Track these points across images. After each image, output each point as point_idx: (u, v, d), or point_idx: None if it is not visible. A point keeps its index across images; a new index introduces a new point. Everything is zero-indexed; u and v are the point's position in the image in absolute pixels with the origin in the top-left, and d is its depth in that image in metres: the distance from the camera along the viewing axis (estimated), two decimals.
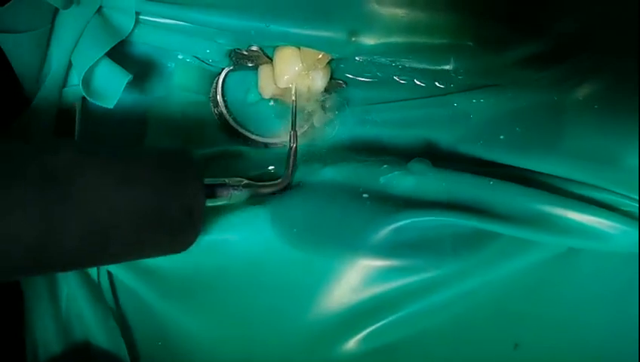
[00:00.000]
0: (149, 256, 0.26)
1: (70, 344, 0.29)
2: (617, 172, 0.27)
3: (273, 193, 0.30)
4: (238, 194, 0.28)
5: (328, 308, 0.29)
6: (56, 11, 0.29)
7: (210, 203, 0.27)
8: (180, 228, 0.25)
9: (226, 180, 0.28)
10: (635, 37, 0.28)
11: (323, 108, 0.34)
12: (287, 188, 0.31)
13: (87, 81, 0.29)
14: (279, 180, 0.31)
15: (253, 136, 0.34)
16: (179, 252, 0.26)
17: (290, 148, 0.31)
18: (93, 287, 0.30)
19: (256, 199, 0.30)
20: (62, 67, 0.30)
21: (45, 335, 0.29)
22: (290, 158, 0.31)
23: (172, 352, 0.30)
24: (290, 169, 0.31)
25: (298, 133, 0.32)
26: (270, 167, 0.33)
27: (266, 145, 0.34)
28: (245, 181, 0.29)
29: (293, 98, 0.33)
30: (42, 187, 0.20)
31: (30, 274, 0.23)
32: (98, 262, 0.24)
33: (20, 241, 0.19)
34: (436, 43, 0.32)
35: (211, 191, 0.27)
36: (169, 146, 0.27)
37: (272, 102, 0.35)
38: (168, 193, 0.24)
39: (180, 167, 0.25)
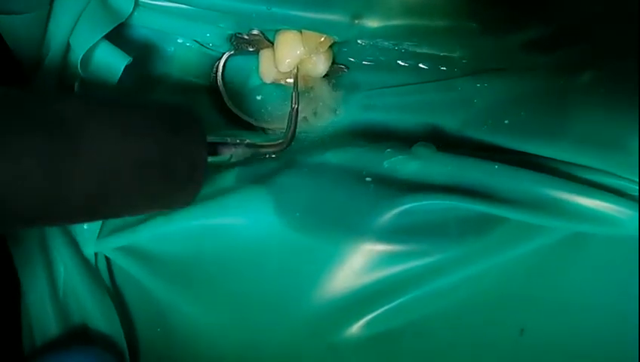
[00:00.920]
0: (151, 209, 0.26)
1: (67, 327, 0.29)
2: (625, 156, 0.27)
3: (274, 153, 0.31)
4: (240, 153, 0.29)
5: (331, 292, 0.28)
6: None
7: (212, 159, 0.27)
8: (182, 181, 0.25)
9: (228, 139, 0.28)
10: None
11: (325, 92, 0.34)
12: (287, 146, 0.31)
13: (85, 63, 0.29)
14: (280, 140, 0.31)
15: (254, 121, 0.34)
16: (180, 206, 0.27)
17: (292, 108, 0.31)
18: (91, 272, 0.29)
19: (258, 183, 0.29)
20: (60, 49, 0.29)
21: (42, 317, 0.29)
22: (292, 119, 0.31)
23: (172, 338, 0.30)
24: (292, 130, 0.31)
25: (300, 118, 0.32)
26: (272, 155, 0.33)
27: (266, 130, 0.34)
28: (247, 140, 0.29)
29: (296, 71, 0.33)
30: (51, 133, 0.20)
31: (37, 222, 0.22)
32: (104, 212, 0.24)
33: (29, 186, 0.19)
34: (440, 26, 0.32)
35: (213, 149, 0.28)
36: (174, 102, 0.27)
37: (273, 87, 0.35)
38: (172, 145, 0.24)
39: (183, 121, 0.25)
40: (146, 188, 0.23)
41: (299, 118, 0.32)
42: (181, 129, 0.25)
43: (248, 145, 0.29)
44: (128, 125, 0.23)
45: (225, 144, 0.28)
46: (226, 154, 0.28)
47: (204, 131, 0.26)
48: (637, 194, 0.26)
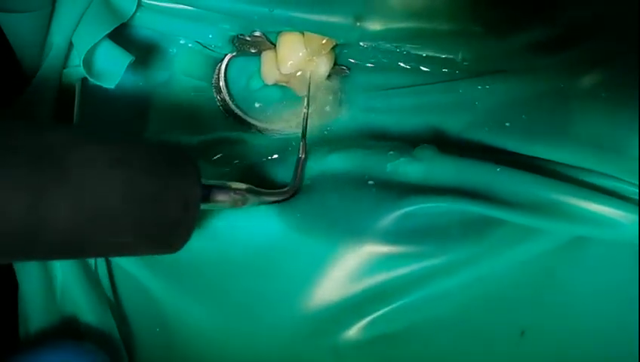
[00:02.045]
0: (140, 250, 0.24)
1: (62, 324, 0.29)
2: (625, 160, 0.27)
3: (276, 201, 0.29)
4: (239, 199, 0.26)
5: (333, 294, 0.28)
6: None
7: (207, 206, 0.25)
8: (173, 222, 0.23)
9: (227, 184, 0.26)
10: None
11: (327, 94, 0.34)
12: (291, 197, 0.29)
13: (88, 62, 0.29)
14: (286, 189, 0.29)
15: (256, 123, 0.34)
16: (169, 251, 0.25)
17: (299, 158, 0.30)
18: (88, 272, 0.29)
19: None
20: (62, 48, 0.29)
21: (37, 314, 0.29)
22: (298, 169, 0.30)
23: (171, 338, 0.30)
24: (298, 179, 0.30)
25: (300, 119, 0.32)
26: (274, 155, 0.33)
27: (267, 131, 0.34)
28: (247, 186, 0.27)
29: (305, 107, 0.32)
30: (36, 163, 0.19)
31: (17, 256, 0.21)
32: (89, 250, 0.22)
33: (9, 218, 0.18)
34: (442, 29, 0.32)
35: (209, 191, 0.25)
36: (168, 141, 0.26)
37: (275, 88, 0.35)
38: (164, 183, 0.23)
39: (178, 160, 0.24)
40: (134, 225, 0.22)
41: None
42: (175, 167, 0.24)
43: (249, 191, 0.27)
44: (119, 158, 0.21)
45: (222, 188, 0.26)
46: (223, 199, 0.26)
47: (199, 172, 0.24)
48: (637, 197, 0.26)
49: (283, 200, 0.29)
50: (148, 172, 0.22)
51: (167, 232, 0.23)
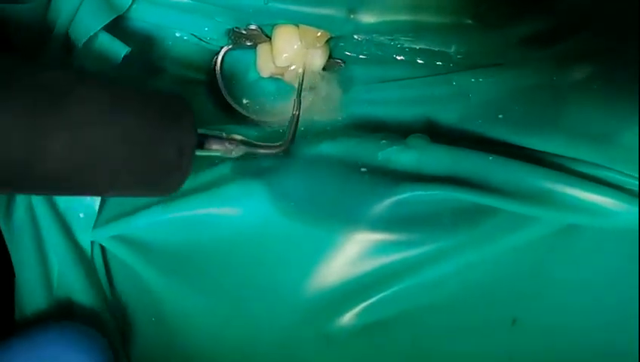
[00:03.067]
0: (135, 194, 0.25)
1: (58, 309, 0.29)
2: (616, 149, 0.27)
3: (269, 155, 0.30)
4: (233, 149, 0.28)
5: (326, 281, 0.28)
6: None
7: (201, 152, 0.26)
8: (167, 166, 0.24)
9: (223, 133, 0.27)
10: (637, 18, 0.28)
11: (322, 86, 0.34)
12: (285, 152, 0.30)
13: (84, 54, 0.29)
14: (279, 143, 0.30)
15: (251, 115, 0.34)
16: (163, 194, 0.26)
17: (293, 115, 0.31)
18: (84, 259, 0.29)
19: (253, 173, 0.30)
20: (59, 39, 0.29)
21: (33, 300, 0.29)
22: (292, 125, 0.31)
23: (166, 327, 0.30)
24: (291, 135, 0.31)
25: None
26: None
27: (262, 123, 0.34)
28: (240, 137, 0.28)
29: (301, 70, 0.33)
30: (37, 98, 0.20)
31: (15, 186, 0.22)
32: (83, 187, 0.23)
33: (8, 147, 0.19)
34: (436, 21, 0.32)
35: (204, 140, 0.27)
36: (167, 89, 0.27)
37: (270, 81, 0.35)
38: (161, 127, 0.24)
39: (176, 107, 0.25)
40: (129, 166, 0.23)
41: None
42: (172, 114, 0.24)
43: (243, 143, 0.28)
44: (119, 101, 0.22)
45: (217, 138, 0.27)
46: (218, 148, 0.27)
47: (194, 120, 0.25)
48: (630, 187, 0.27)
49: (275, 154, 0.30)
50: (145, 116, 0.23)
51: (162, 176, 0.25)
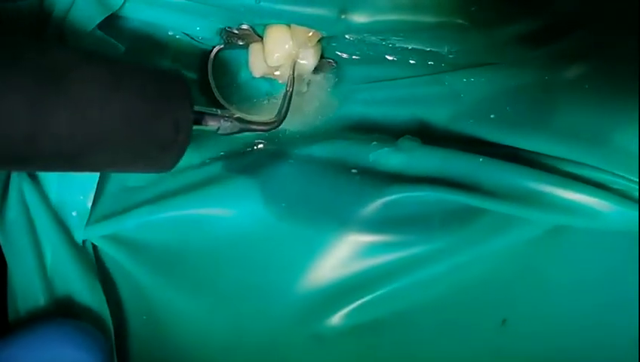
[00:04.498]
0: (133, 169, 0.26)
1: (54, 303, 0.29)
2: (607, 150, 0.27)
3: (263, 131, 0.31)
4: (228, 126, 0.29)
5: (316, 282, 0.28)
6: None
7: (198, 128, 0.27)
8: (165, 142, 0.25)
9: (218, 111, 0.28)
10: (634, 17, 0.28)
11: (313, 86, 0.34)
12: (277, 126, 0.31)
13: None
14: (272, 119, 0.31)
15: (243, 115, 0.34)
16: (162, 170, 0.27)
17: (287, 91, 0.32)
18: (80, 253, 0.30)
19: (244, 173, 0.30)
20: (52, 38, 0.29)
21: (28, 295, 0.29)
22: (285, 101, 0.32)
23: (157, 326, 0.30)
24: (284, 112, 0.32)
25: (287, 114, 0.32)
26: (259, 145, 0.33)
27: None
28: (237, 115, 0.29)
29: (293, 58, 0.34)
30: (39, 76, 0.20)
31: (18, 164, 0.23)
32: (83, 163, 0.24)
33: (12, 122, 0.20)
34: (427, 21, 0.32)
35: (201, 117, 0.28)
36: (165, 67, 0.27)
37: (262, 81, 0.35)
38: (158, 104, 0.24)
39: (173, 84, 0.26)
40: (128, 142, 0.24)
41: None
42: (170, 91, 0.25)
43: (238, 120, 0.29)
44: (118, 79, 0.23)
45: (213, 115, 0.28)
46: (213, 125, 0.28)
47: (191, 97, 0.26)
48: (619, 187, 0.27)
49: (269, 130, 0.31)
50: (144, 94, 0.24)
51: (159, 151, 0.25)
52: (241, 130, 0.29)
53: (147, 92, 0.24)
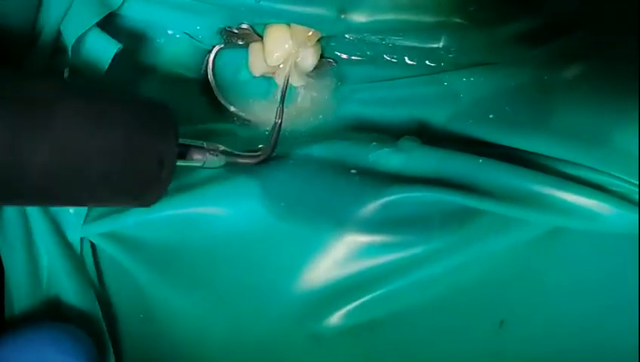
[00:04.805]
0: (114, 202, 0.26)
1: (47, 308, 0.29)
2: (605, 151, 0.27)
3: (250, 164, 0.30)
4: (214, 160, 0.28)
5: (314, 282, 0.28)
6: None
7: (182, 163, 0.27)
8: (148, 178, 0.24)
9: (204, 144, 0.27)
10: (634, 17, 0.28)
11: (313, 86, 0.34)
12: (265, 161, 0.31)
13: (76, 50, 0.29)
14: (258, 152, 0.30)
15: (242, 114, 0.34)
16: (142, 205, 0.26)
17: (275, 123, 0.31)
18: (74, 257, 0.29)
19: (243, 172, 0.30)
20: (51, 35, 0.29)
21: (22, 298, 0.29)
22: (274, 134, 0.31)
23: (154, 325, 0.30)
24: (272, 144, 0.31)
25: (287, 111, 0.32)
26: (259, 146, 0.33)
27: (253, 122, 0.34)
28: (222, 148, 0.28)
29: (286, 73, 0.33)
30: (21, 110, 0.20)
31: None
32: (65, 198, 0.23)
33: None
34: (426, 21, 0.32)
35: (186, 150, 0.27)
36: (150, 98, 0.27)
37: (262, 80, 0.35)
38: (141, 139, 0.24)
39: (158, 117, 0.25)
40: (110, 178, 0.23)
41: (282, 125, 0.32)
42: (154, 125, 0.24)
43: (224, 153, 0.28)
44: (101, 113, 0.22)
45: (199, 148, 0.27)
46: (199, 159, 0.27)
47: (177, 131, 0.25)
48: (618, 189, 0.26)
49: (256, 163, 0.30)
50: (128, 129, 0.23)
51: (143, 187, 0.25)
52: (228, 164, 0.29)
53: (132, 127, 0.23)
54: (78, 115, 0.21)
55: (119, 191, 0.24)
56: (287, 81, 0.33)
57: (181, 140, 0.26)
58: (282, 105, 0.32)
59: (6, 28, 0.29)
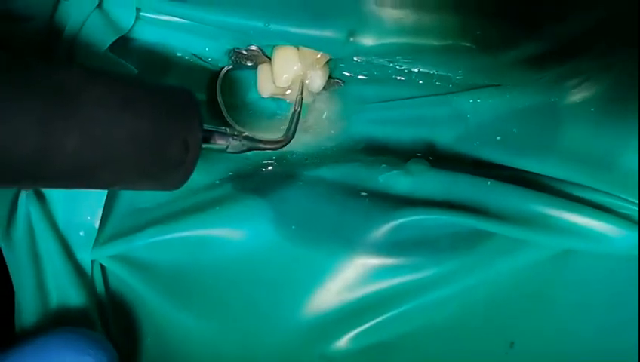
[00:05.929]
0: (142, 185, 0.26)
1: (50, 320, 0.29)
2: (614, 174, 0.27)
3: (271, 149, 0.31)
4: (237, 145, 0.29)
5: (324, 304, 0.28)
6: (56, 3, 0.29)
7: (207, 146, 0.27)
8: (174, 161, 0.25)
9: (227, 129, 0.28)
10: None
11: (321, 106, 0.34)
12: (285, 145, 0.32)
13: None
14: (280, 138, 0.31)
15: (251, 135, 0.34)
16: (170, 188, 0.26)
17: (295, 110, 0.32)
18: (83, 278, 0.30)
19: (254, 194, 0.30)
20: (62, 58, 0.30)
21: (31, 317, 0.29)
22: (294, 120, 0.32)
23: (164, 347, 0.30)
24: (292, 129, 0.32)
25: (296, 134, 0.32)
26: (269, 167, 0.33)
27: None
28: (246, 133, 0.29)
29: (299, 88, 0.34)
30: (50, 98, 0.21)
31: (28, 182, 0.23)
32: (94, 180, 0.24)
33: (22, 145, 0.20)
34: (435, 44, 0.32)
35: (209, 135, 0.28)
36: (175, 85, 0.27)
37: (270, 101, 0.35)
38: (167, 124, 0.24)
39: (182, 103, 0.26)
40: (137, 162, 0.24)
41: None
42: (179, 110, 0.25)
43: (246, 138, 0.29)
44: (127, 99, 0.23)
45: (222, 133, 0.28)
46: (222, 143, 0.28)
47: (201, 116, 0.26)
48: (626, 211, 0.27)
49: (278, 148, 0.31)
50: (153, 114, 0.24)
51: (168, 171, 0.25)
52: (250, 149, 0.30)
53: (156, 112, 0.24)
54: (103, 101, 0.22)
55: (145, 175, 0.25)
56: (302, 92, 0.34)
57: (205, 126, 0.27)
58: (301, 94, 0.33)
59: (18, 53, 0.29)
